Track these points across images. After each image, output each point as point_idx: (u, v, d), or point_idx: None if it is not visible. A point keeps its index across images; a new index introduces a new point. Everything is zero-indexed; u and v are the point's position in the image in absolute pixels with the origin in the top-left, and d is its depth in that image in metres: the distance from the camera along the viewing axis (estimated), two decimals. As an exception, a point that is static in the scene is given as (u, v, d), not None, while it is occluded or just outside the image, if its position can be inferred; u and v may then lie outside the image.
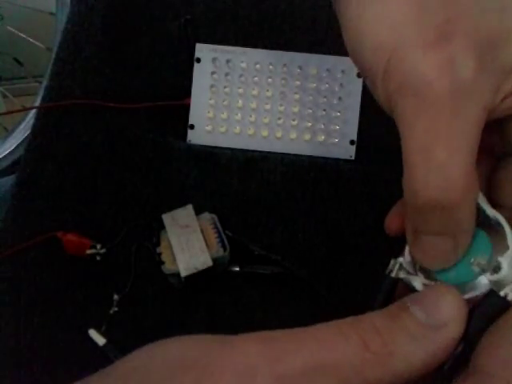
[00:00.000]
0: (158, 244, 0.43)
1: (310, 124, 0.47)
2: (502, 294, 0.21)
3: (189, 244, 0.42)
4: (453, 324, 0.20)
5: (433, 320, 0.20)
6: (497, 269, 0.22)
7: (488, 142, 0.25)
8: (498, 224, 0.23)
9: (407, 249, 0.24)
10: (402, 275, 0.24)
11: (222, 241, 0.42)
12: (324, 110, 0.47)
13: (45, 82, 0.72)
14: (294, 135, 0.47)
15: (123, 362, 0.20)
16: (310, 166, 0.47)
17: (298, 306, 0.43)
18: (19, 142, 0.93)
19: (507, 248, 0.23)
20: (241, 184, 0.47)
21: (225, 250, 0.42)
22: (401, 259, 0.24)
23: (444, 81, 0.21)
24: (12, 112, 0.78)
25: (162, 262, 0.42)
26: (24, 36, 1.07)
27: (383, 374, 0.19)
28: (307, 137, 0.47)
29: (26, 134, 0.91)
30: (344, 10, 0.25)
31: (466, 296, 0.22)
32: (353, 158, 0.47)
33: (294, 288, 0.43)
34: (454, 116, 0.21)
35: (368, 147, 0.47)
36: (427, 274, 0.24)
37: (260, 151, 0.48)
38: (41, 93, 0.56)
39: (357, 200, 0.46)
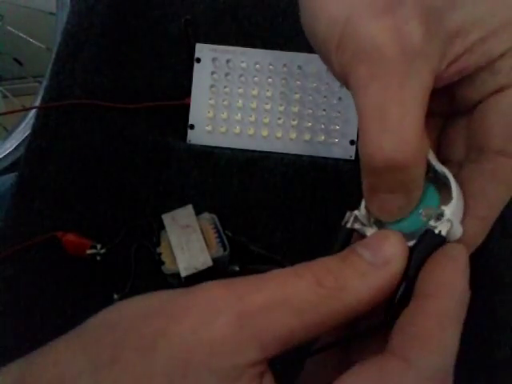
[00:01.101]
0: (158, 244, 0.43)
1: (310, 124, 0.47)
2: (436, 231, 0.24)
3: (189, 244, 0.42)
4: (395, 261, 0.23)
5: (378, 259, 0.23)
6: (440, 216, 0.24)
7: (438, 104, 0.26)
8: (445, 178, 0.25)
9: (363, 203, 0.26)
10: (356, 226, 0.26)
11: (222, 241, 0.42)
12: (324, 110, 0.47)
13: (45, 82, 0.72)
14: (293, 135, 0.47)
15: (93, 319, 0.22)
16: (310, 166, 0.47)
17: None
18: (19, 142, 0.93)
19: (451, 198, 0.25)
20: (241, 184, 0.47)
21: (225, 249, 0.42)
22: (356, 212, 0.26)
23: (394, 45, 0.22)
24: (12, 112, 0.78)
25: (162, 262, 0.42)
26: (24, 36, 1.07)
27: (335, 307, 0.21)
28: (307, 137, 0.47)
29: (26, 134, 0.91)
30: None
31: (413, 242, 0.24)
32: (353, 158, 0.47)
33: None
34: (404, 79, 0.22)
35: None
36: (380, 225, 0.26)
37: (260, 151, 0.48)
38: (41, 93, 0.56)
39: (357, 200, 0.46)
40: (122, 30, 0.51)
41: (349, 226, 0.26)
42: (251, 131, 0.48)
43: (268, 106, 0.48)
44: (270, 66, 0.48)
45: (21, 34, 1.07)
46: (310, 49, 0.49)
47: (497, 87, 0.24)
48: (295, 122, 0.47)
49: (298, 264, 0.23)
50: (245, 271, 0.43)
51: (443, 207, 0.24)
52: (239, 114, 0.48)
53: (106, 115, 0.48)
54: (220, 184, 0.47)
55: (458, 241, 0.24)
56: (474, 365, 0.40)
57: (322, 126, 0.47)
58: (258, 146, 0.48)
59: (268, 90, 0.48)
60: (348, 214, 0.26)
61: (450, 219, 0.24)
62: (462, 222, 0.25)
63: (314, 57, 0.47)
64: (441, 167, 0.25)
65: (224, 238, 0.42)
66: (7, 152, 0.93)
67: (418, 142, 0.23)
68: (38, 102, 0.79)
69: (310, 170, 0.47)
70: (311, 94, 0.47)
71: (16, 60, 1.14)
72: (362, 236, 0.26)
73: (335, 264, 0.23)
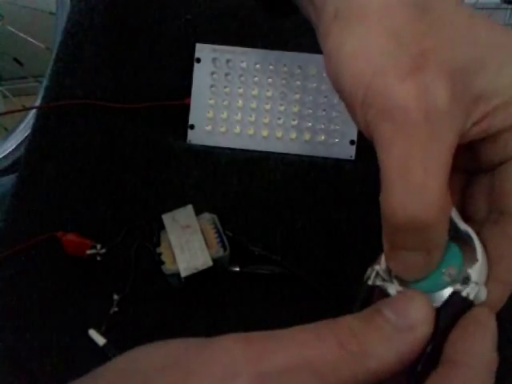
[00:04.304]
0: (158, 244, 0.43)
1: (309, 124, 0.47)
2: (464, 294, 0.23)
3: (189, 244, 0.42)
4: (421, 325, 0.22)
5: (403, 322, 0.22)
6: (466, 280, 0.23)
7: (461, 161, 0.26)
8: (469, 237, 0.25)
9: (383, 257, 0.26)
10: (378, 283, 0.26)
11: (222, 241, 0.42)
12: (324, 110, 0.47)
13: (45, 82, 0.72)
14: (293, 135, 0.47)
15: (108, 366, 0.21)
16: (310, 166, 0.47)
17: (298, 306, 0.43)
18: (19, 142, 0.93)
19: (476, 260, 0.24)
20: (241, 184, 0.47)
21: (225, 250, 0.42)
22: (377, 267, 0.26)
23: (419, 107, 0.22)
24: (12, 112, 0.78)
25: (162, 262, 0.42)
26: (24, 36, 1.07)
27: (358, 372, 0.21)
28: (307, 137, 0.47)
29: (26, 134, 0.91)
30: (324, 40, 0.26)
31: (436, 304, 0.23)
32: (353, 158, 0.47)
33: (294, 288, 0.43)
34: (429, 140, 0.22)
35: (368, 147, 0.46)
36: (402, 281, 0.25)
37: (260, 151, 0.48)
38: (41, 93, 0.56)
39: (357, 200, 0.46)
40: (122, 30, 0.51)
41: (370, 283, 0.26)
42: (251, 131, 0.48)
43: (268, 106, 0.48)
44: (270, 66, 0.48)
45: (21, 34, 1.07)
46: (309, 49, 0.50)
47: None
48: (295, 122, 0.47)
49: (320, 322, 0.22)
50: (245, 271, 0.43)
51: (469, 270, 0.24)
52: (239, 114, 0.48)
53: (106, 115, 0.48)
54: (220, 184, 0.47)
55: (482, 304, 0.24)
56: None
57: (322, 126, 0.47)
58: (258, 145, 0.48)
59: (268, 90, 0.48)
60: (369, 270, 0.26)
61: (477, 282, 0.23)
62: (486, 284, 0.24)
63: (314, 57, 0.47)
64: (464, 226, 0.25)
65: (224, 238, 0.42)
66: (7, 152, 0.93)
67: (441, 202, 0.22)
68: (38, 102, 0.79)
69: (310, 170, 0.47)
70: (311, 94, 0.47)
71: (16, 60, 1.14)
72: (384, 292, 0.25)
73: (359, 326, 0.22)
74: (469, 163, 0.27)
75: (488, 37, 0.24)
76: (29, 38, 1.07)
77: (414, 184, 0.22)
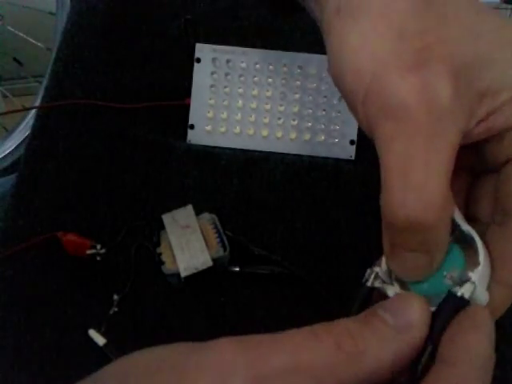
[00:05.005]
0: (158, 244, 0.43)
1: (310, 124, 0.47)
2: (459, 294, 0.23)
3: (189, 244, 0.42)
4: (418, 325, 0.22)
5: (400, 323, 0.22)
6: (465, 283, 0.23)
7: (466, 160, 0.26)
8: (472, 239, 0.24)
9: (384, 258, 0.25)
10: (377, 284, 0.25)
11: (222, 241, 0.42)
12: (324, 110, 0.47)
13: (45, 82, 0.72)
14: (293, 135, 0.47)
15: (105, 370, 0.21)
16: (310, 166, 0.47)
17: (298, 306, 0.43)
18: (19, 142, 0.93)
19: (478, 263, 0.23)
20: (241, 184, 0.47)
21: (225, 249, 0.42)
22: (377, 269, 0.25)
23: (421, 104, 0.22)
24: (12, 112, 0.78)
25: (162, 262, 0.42)
26: (24, 36, 1.07)
27: (355, 373, 0.21)
28: (307, 137, 0.47)
29: (26, 134, 0.91)
30: (327, 36, 0.25)
31: (436, 307, 0.23)
32: (353, 158, 0.47)
33: (294, 288, 0.43)
34: (430, 139, 0.22)
35: (368, 147, 0.46)
36: (402, 284, 0.25)
37: (260, 151, 0.48)
38: (41, 93, 0.56)
39: (357, 200, 0.46)
40: (122, 30, 0.51)
41: (369, 284, 0.25)
42: (251, 131, 0.48)
43: (268, 106, 0.48)
44: (270, 66, 0.48)
45: (21, 34, 1.07)
46: (309, 49, 0.49)
47: None
48: (295, 122, 0.47)
49: (317, 324, 0.22)
50: (245, 271, 0.43)
51: (470, 273, 0.23)
52: (239, 114, 0.48)
53: (106, 115, 0.48)
54: (220, 184, 0.47)
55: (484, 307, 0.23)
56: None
57: (322, 126, 0.47)
58: (258, 145, 0.48)
59: (268, 90, 0.48)
60: (368, 271, 0.25)
61: (473, 281, 0.23)
62: (488, 287, 0.24)
63: (314, 57, 0.47)
64: (467, 228, 0.24)
65: (224, 238, 0.42)
66: (7, 152, 0.93)
67: (443, 202, 0.22)
68: (38, 102, 0.79)
69: (310, 170, 0.47)
70: (311, 94, 0.47)
71: (16, 60, 1.14)
72: (383, 293, 0.25)
73: (356, 327, 0.22)
74: (473, 163, 0.27)
75: (495, 32, 0.23)
76: (29, 38, 1.07)
77: (415, 183, 0.22)
